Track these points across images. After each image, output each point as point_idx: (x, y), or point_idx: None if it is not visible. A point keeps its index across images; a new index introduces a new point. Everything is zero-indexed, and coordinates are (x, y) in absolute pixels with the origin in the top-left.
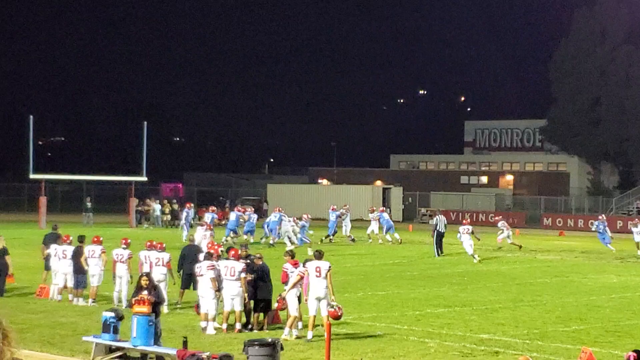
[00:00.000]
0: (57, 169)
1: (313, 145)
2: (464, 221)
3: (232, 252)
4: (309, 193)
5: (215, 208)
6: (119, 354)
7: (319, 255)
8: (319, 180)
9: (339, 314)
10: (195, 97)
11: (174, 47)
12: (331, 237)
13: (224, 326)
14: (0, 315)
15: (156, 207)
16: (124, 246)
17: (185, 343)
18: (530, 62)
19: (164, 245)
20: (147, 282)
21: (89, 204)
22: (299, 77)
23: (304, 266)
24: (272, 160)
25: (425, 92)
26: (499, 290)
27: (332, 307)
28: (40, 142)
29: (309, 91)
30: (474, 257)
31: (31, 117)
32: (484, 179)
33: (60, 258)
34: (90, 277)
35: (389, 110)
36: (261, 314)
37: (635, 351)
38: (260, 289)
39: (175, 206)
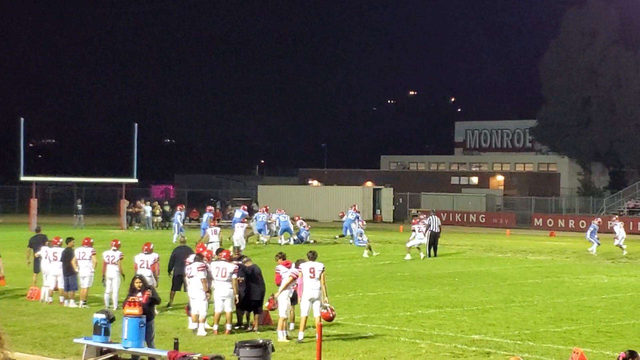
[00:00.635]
0: (48, 171)
1: (303, 146)
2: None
3: (224, 253)
4: (300, 194)
5: (212, 207)
6: (110, 355)
7: (312, 256)
8: (310, 181)
9: (331, 315)
10: (185, 99)
11: (165, 49)
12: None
13: (215, 327)
14: None
15: (147, 208)
16: (114, 248)
17: (176, 344)
18: (520, 63)
19: (152, 246)
20: (140, 284)
21: (79, 206)
22: (289, 78)
23: (296, 267)
24: (262, 161)
25: (416, 93)
26: (490, 291)
27: (325, 308)
28: (31, 144)
29: (299, 92)
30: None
31: (22, 119)
32: (475, 180)
33: (51, 260)
34: (81, 279)
35: (379, 111)
36: (251, 314)
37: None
38: (252, 290)
39: (167, 208)
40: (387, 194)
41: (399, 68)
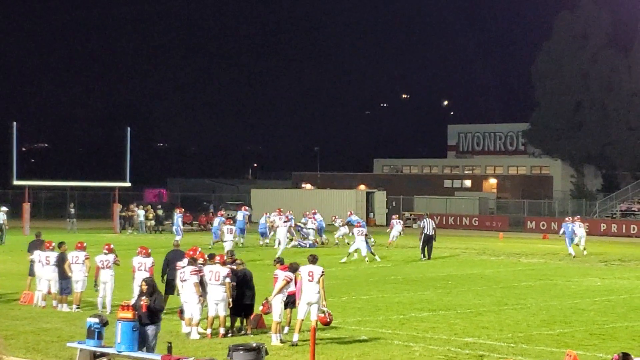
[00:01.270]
0: (41, 176)
1: (296, 150)
2: (358, 224)
3: (217, 257)
4: (293, 198)
5: (223, 212)
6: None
7: (312, 260)
8: (303, 185)
9: (328, 320)
10: (178, 103)
11: (157, 53)
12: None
13: (208, 331)
14: None
15: (140, 212)
16: (106, 251)
17: (169, 348)
18: (512, 66)
19: (149, 250)
20: (146, 287)
21: (72, 210)
22: (281, 82)
23: (291, 271)
24: (255, 165)
25: (408, 97)
26: (483, 294)
27: (323, 312)
28: (23, 149)
29: (292, 96)
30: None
31: (14, 123)
32: (468, 183)
33: (44, 264)
34: (74, 283)
35: (372, 114)
36: (245, 319)
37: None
38: (243, 295)
39: (160, 212)
40: (380, 197)
41: (392, 71)
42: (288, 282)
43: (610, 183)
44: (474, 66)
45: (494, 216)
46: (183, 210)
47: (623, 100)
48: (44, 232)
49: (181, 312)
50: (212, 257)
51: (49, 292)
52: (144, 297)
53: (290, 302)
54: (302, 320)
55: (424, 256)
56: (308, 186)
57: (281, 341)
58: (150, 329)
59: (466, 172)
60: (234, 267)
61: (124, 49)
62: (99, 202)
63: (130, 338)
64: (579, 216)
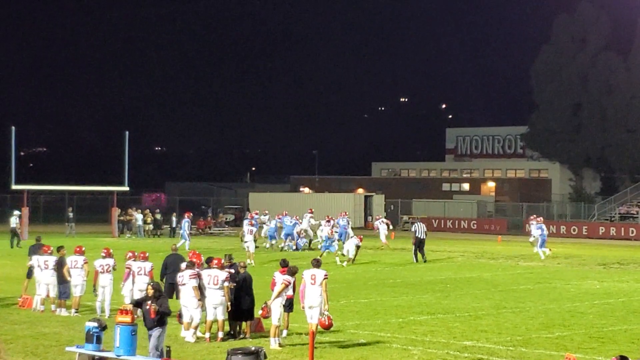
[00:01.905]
0: (39, 180)
1: (295, 153)
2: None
3: (215, 261)
4: (291, 201)
5: (253, 214)
6: None
7: (316, 264)
8: (301, 189)
9: (327, 324)
10: (176, 107)
11: (156, 57)
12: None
13: (207, 335)
14: None
15: (138, 216)
16: (104, 255)
17: (168, 352)
18: (511, 69)
19: (147, 254)
20: (152, 292)
21: (71, 215)
22: (279, 85)
23: (290, 275)
24: (253, 168)
25: (407, 100)
26: (482, 297)
27: (323, 315)
28: (22, 153)
29: (290, 99)
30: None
31: (13, 128)
32: (466, 186)
33: (43, 268)
34: (73, 288)
35: (370, 118)
36: (243, 323)
37: (619, 357)
38: (242, 298)
39: (158, 216)
40: (378, 200)
41: (390, 75)
42: (287, 286)
43: (609, 186)
44: (473, 69)
45: (493, 219)
46: (191, 215)
47: (622, 103)
48: (43, 236)
49: (179, 316)
50: (209, 261)
51: (47, 296)
52: (150, 302)
53: (288, 306)
54: (312, 323)
55: (417, 260)
56: (306, 190)
57: (280, 345)
58: (155, 331)
59: (464, 175)
60: (232, 270)
61: (122, 54)
62: (97, 206)
63: (129, 342)
64: (535, 215)
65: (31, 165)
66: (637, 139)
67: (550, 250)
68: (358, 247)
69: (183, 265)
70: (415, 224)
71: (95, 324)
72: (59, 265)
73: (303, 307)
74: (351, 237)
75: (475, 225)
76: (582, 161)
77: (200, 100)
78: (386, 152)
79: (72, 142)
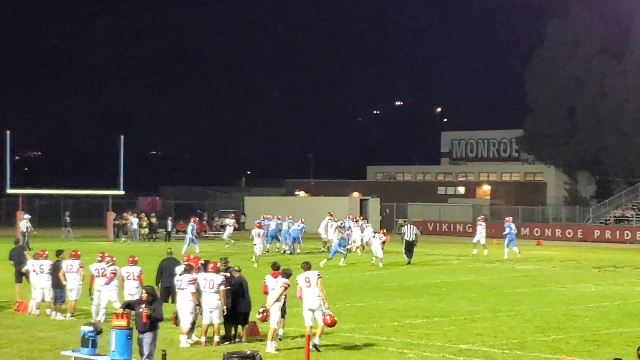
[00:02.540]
0: (35, 184)
1: (290, 157)
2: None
3: (211, 265)
4: (287, 205)
5: (269, 216)
6: None
7: (307, 267)
8: (296, 192)
9: (330, 321)
10: (171, 111)
11: (150, 61)
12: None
13: (203, 339)
14: None
15: (134, 220)
16: (100, 259)
17: (164, 356)
18: (505, 73)
19: (136, 258)
20: (146, 296)
21: (68, 219)
22: (274, 89)
23: (284, 277)
24: (249, 172)
25: (401, 103)
26: (478, 301)
27: (324, 314)
28: (17, 157)
29: (285, 103)
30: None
31: (8, 132)
32: (461, 190)
33: (38, 273)
34: (69, 292)
35: (365, 121)
36: (239, 326)
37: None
38: (238, 302)
39: (154, 220)
40: (373, 204)
41: (385, 78)
42: (286, 289)
43: (604, 189)
44: (467, 73)
45: (488, 223)
46: (197, 219)
47: (616, 106)
48: (38, 240)
49: (176, 317)
50: (206, 264)
51: (43, 301)
52: (144, 306)
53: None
54: (311, 326)
55: (409, 261)
56: (302, 194)
57: (276, 349)
58: (147, 336)
59: (460, 178)
60: (228, 274)
61: (117, 58)
62: (92, 210)
63: (125, 346)
64: (482, 215)
65: (26, 169)
66: (632, 142)
67: (519, 252)
68: (384, 242)
69: (178, 269)
70: (405, 226)
71: (91, 328)
72: (55, 270)
73: (302, 311)
74: (373, 237)
75: (470, 228)
76: (577, 164)
77: (196, 104)
78: (381, 156)
79: (67, 146)
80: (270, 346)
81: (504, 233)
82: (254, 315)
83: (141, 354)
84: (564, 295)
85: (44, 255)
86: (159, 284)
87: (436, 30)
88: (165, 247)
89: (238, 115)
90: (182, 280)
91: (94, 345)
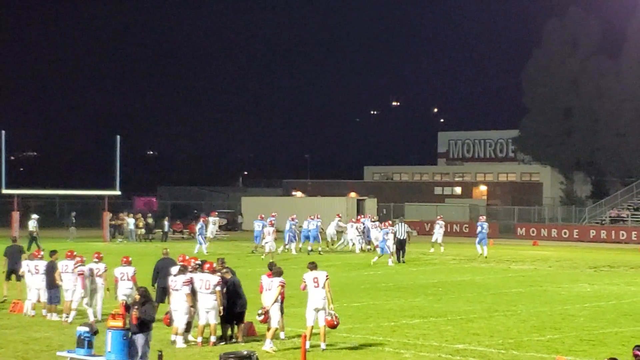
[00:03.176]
0: (30, 184)
1: (287, 157)
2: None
3: (207, 265)
4: (284, 205)
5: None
6: None
7: (313, 267)
8: (293, 193)
9: (335, 323)
10: (167, 111)
11: (147, 62)
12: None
13: (199, 340)
14: None
15: (130, 221)
16: (96, 260)
17: (160, 357)
18: (502, 73)
19: (130, 259)
20: (139, 298)
21: (74, 219)
22: (271, 89)
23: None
24: (246, 173)
25: (398, 104)
26: (474, 301)
27: (330, 315)
28: (12, 157)
29: (282, 103)
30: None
31: (3, 132)
32: (458, 190)
33: (33, 273)
34: (64, 292)
35: (362, 121)
36: (235, 327)
37: (610, 359)
38: (233, 302)
39: (150, 220)
40: (371, 204)
41: (382, 79)
42: (283, 287)
43: (600, 189)
44: (464, 73)
45: None
46: (207, 218)
47: (612, 106)
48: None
49: (169, 318)
50: (201, 265)
51: (38, 301)
52: (135, 308)
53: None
54: (312, 326)
55: (399, 260)
56: (299, 194)
57: (274, 350)
58: (139, 337)
59: (456, 179)
60: (222, 275)
61: (113, 58)
62: (88, 211)
63: (121, 347)
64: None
65: (22, 169)
66: (628, 142)
67: (486, 255)
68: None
69: (174, 269)
70: (397, 225)
71: (87, 329)
72: (50, 270)
73: (306, 310)
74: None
75: (467, 228)
76: (573, 165)
77: (192, 104)
78: (378, 156)
79: (62, 146)
80: (267, 344)
81: (477, 232)
82: (250, 316)
83: (132, 355)
84: (559, 295)
85: (39, 256)
86: (155, 285)
87: (433, 31)
88: (161, 247)
89: (235, 116)
90: (176, 281)
91: (90, 346)
